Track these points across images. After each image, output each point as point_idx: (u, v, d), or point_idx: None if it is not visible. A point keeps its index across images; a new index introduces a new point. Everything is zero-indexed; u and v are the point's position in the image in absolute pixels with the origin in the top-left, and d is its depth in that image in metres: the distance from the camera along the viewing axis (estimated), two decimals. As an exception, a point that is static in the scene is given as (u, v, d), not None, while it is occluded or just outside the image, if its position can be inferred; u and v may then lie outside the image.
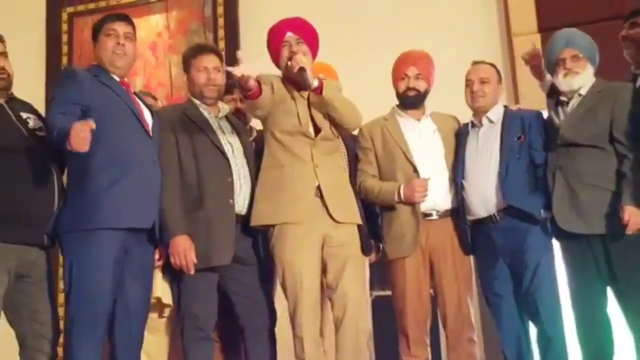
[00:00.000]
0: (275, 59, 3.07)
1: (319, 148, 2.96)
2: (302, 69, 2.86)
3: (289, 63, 2.92)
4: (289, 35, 3.01)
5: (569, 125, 2.95)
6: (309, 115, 2.98)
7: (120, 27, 2.91)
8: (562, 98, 3.04)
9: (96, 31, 2.93)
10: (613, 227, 2.77)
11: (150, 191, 2.78)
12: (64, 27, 5.11)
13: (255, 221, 2.93)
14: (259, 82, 2.80)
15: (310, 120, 2.98)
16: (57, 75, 2.98)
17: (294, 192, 2.90)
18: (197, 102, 3.11)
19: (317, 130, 2.97)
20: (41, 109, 3.09)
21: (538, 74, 3.30)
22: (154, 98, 3.57)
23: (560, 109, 3.05)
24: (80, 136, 2.47)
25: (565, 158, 2.92)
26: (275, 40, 3.05)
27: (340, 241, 2.91)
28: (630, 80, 3.02)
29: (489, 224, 3.03)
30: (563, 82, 3.03)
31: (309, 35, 3.05)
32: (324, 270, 2.93)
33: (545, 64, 3.16)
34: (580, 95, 3.00)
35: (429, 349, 3.15)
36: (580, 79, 3.00)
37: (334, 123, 2.99)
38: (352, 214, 2.99)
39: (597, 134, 2.88)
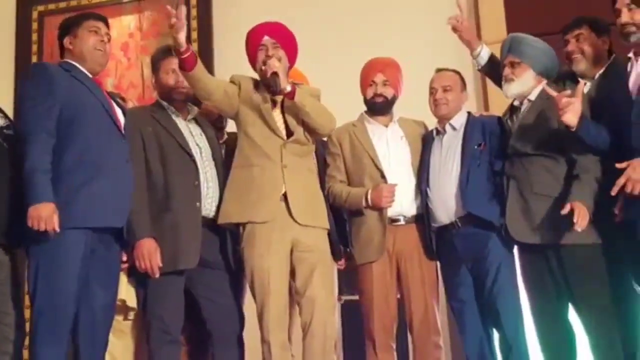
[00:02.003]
0: (252, 62, 3.08)
1: (290, 149, 2.97)
2: (274, 74, 2.88)
3: (263, 67, 2.95)
4: (266, 39, 3.03)
5: (518, 134, 2.95)
6: (283, 119, 3.00)
7: (102, 28, 2.91)
8: (515, 103, 3.06)
9: (70, 27, 2.89)
10: (565, 238, 2.77)
11: (123, 190, 2.76)
12: (34, 25, 5.05)
13: (221, 219, 2.94)
14: (194, 55, 2.81)
15: (283, 124, 2.99)
16: (28, 71, 2.93)
17: (261, 192, 2.91)
18: (165, 104, 3.10)
19: (290, 134, 2.99)
20: (9, 107, 3.06)
21: (467, 42, 3.31)
22: (123, 99, 3.55)
23: (514, 115, 3.06)
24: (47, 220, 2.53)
25: (518, 167, 2.92)
26: (252, 43, 3.07)
27: (309, 246, 2.92)
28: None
29: (452, 231, 3.05)
30: (503, 89, 3.06)
31: (286, 40, 3.06)
32: (293, 275, 2.94)
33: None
34: (529, 101, 3.01)
35: (395, 353, 3.16)
36: (515, 86, 3.01)
37: (307, 128, 3.00)
38: (317, 217, 2.99)
39: (546, 142, 2.87)
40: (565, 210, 2.67)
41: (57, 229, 2.57)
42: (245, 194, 2.92)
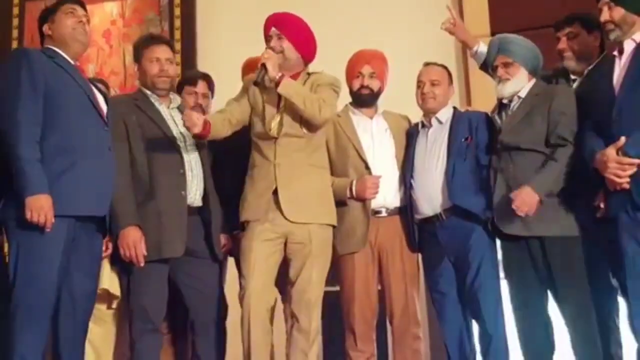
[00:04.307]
0: None
1: (284, 146, 2.97)
2: (262, 65, 2.88)
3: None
4: (272, 30, 3.03)
5: (508, 129, 2.99)
6: (280, 113, 2.99)
7: (79, 10, 2.88)
8: (504, 101, 3.08)
9: (48, 14, 2.88)
10: (551, 230, 2.83)
11: (104, 179, 2.74)
12: (15, 10, 4.99)
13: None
14: (205, 123, 2.86)
15: (278, 119, 2.99)
16: (8, 57, 2.90)
17: (256, 191, 2.95)
18: (147, 92, 3.09)
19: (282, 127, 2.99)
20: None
21: (463, 42, 3.36)
22: (106, 85, 3.53)
23: (502, 111, 3.09)
24: (42, 216, 2.53)
25: (506, 161, 2.96)
26: (264, 35, 3.08)
27: (303, 238, 2.93)
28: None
29: (435, 223, 3.08)
30: (497, 89, 3.08)
31: (291, 30, 3.04)
32: (287, 266, 2.96)
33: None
34: (519, 98, 3.04)
35: (375, 344, 3.18)
36: (510, 85, 3.03)
37: (301, 120, 2.98)
38: (310, 213, 2.96)
39: (534, 137, 2.91)
40: (513, 197, 2.78)
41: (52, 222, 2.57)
42: (246, 194, 2.99)
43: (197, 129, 2.81)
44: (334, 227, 3.05)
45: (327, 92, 3.01)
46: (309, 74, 3.08)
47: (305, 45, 3.07)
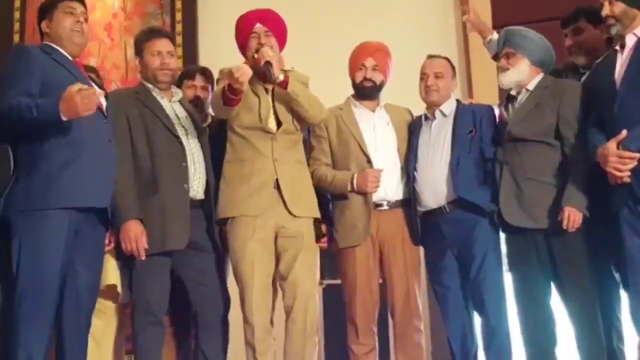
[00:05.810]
0: (242, 49, 3.06)
1: (280, 142, 2.97)
2: (267, 63, 2.86)
3: (256, 56, 2.93)
4: (258, 26, 3.01)
5: (516, 121, 2.99)
6: (273, 108, 2.99)
7: (78, 7, 2.87)
8: (512, 93, 3.08)
9: (47, 10, 2.86)
10: (556, 222, 2.83)
11: (106, 171, 2.75)
12: (17, 3, 4.98)
13: (218, 215, 2.97)
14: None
15: (273, 114, 2.98)
16: (8, 53, 2.92)
17: (252, 186, 2.93)
18: (149, 86, 3.09)
19: (279, 124, 2.98)
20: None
21: (478, 31, 3.40)
22: (97, 74, 3.52)
23: (510, 104, 3.09)
24: (85, 100, 2.49)
25: (512, 153, 2.96)
26: (243, 30, 3.05)
27: (294, 232, 2.93)
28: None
29: (439, 216, 3.08)
30: (498, 79, 3.09)
31: (278, 27, 3.04)
32: (278, 260, 2.95)
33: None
34: (527, 90, 3.04)
35: (376, 337, 3.18)
36: (509, 74, 3.04)
37: (298, 117, 2.99)
38: (309, 208, 3.00)
39: (543, 129, 2.92)
40: (561, 218, 2.79)
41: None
42: (237, 188, 2.94)
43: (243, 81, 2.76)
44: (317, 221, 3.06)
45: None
46: (283, 71, 3.04)
47: (284, 42, 3.08)
